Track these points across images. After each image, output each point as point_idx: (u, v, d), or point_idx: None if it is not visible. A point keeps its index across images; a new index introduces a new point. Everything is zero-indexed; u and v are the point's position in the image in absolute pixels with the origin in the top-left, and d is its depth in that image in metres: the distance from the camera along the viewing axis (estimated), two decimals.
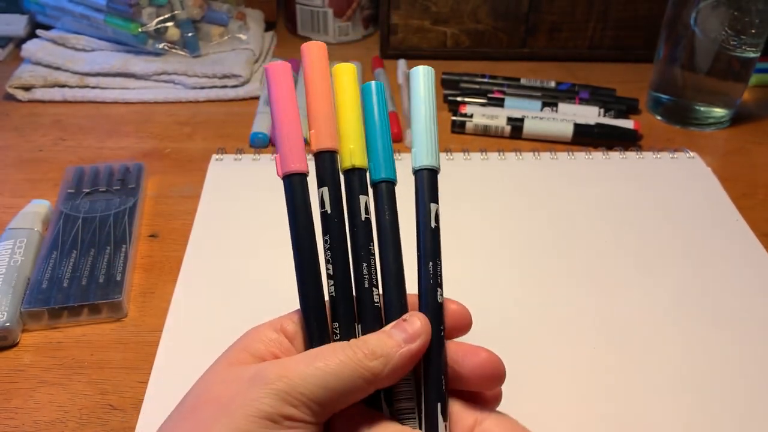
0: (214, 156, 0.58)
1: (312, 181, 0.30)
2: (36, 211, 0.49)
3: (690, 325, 0.43)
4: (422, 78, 0.32)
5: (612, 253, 0.49)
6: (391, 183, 0.31)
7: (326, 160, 0.30)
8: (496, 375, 0.30)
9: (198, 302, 0.44)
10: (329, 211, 0.29)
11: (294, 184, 0.29)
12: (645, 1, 0.72)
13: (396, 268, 0.30)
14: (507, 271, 0.47)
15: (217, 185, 0.55)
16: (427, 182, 0.31)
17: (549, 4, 0.72)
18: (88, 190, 0.51)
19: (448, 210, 0.51)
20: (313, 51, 0.30)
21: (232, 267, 0.47)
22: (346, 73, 0.31)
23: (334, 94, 0.31)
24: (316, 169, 0.30)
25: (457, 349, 0.30)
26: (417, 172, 0.31)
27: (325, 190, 0.29)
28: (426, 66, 0.32)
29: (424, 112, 0.31)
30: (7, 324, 0.41)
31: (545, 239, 0.50)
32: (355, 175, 0.30)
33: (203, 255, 0.48)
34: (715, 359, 0.41)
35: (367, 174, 0.31)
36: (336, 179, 0.30)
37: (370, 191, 0.31)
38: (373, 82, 0.31)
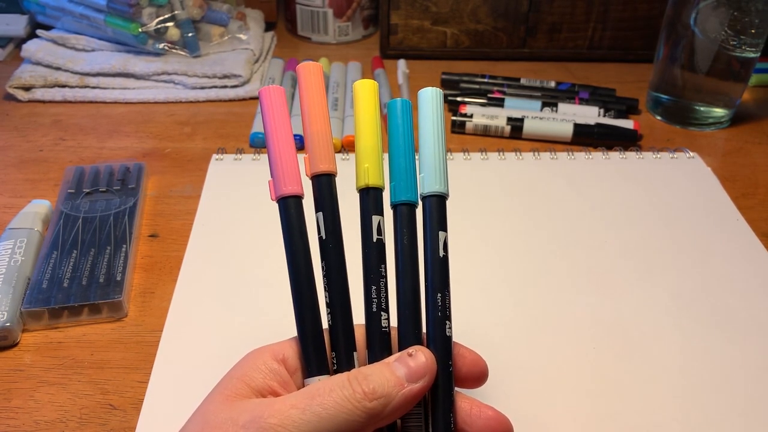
0: (214, 156, 0.58)
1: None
2: (36, 211, 0.49)
3: (690, 325, 0.43)
4: (431, 101, 0.31)
5: (612, 252, 0.49)
6: (412, 205, 0.30)
7: (323, 183, 0.29)
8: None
9: (198, 302, 0.44)
10: (324, 237, 0.29)
11: (288, 207, 0.28)
12: (645, 1, 0.72)
13: (413, 297, 0.29)
14: (507, 271, 0.47)
15: (217, 185, 0.55)
16: (435, 209, 0.30)
17: (549, 4, 0.72)
18: (88, 190, 0.52)
19: (448, 210, 0.52)
20: (309, 71, 0.30)
21: (232, 267, 0.47)
22: (367, 90, 0.30)
23: (354, 111, 0.30)
24: (313, 193, 0.29)
25: (461, 405, 0.29)
26: (425, 199, 0.30)
27: (321, 215, 0.29)
28: (434, 88, 0.31)
29: (433, 136, 0.30)
30: (8, 324, 0.41)
31: (545, 239, 0.50)
32: (369, 194, 0.29)
33: (203, 255, 0.48)
34: (715, 359, 0.41)
35: (385, 193, 0.30)
36: (333, 203, 0.29)
37: (389, 212, 0.30)
38: (399, 100, 0.30)
